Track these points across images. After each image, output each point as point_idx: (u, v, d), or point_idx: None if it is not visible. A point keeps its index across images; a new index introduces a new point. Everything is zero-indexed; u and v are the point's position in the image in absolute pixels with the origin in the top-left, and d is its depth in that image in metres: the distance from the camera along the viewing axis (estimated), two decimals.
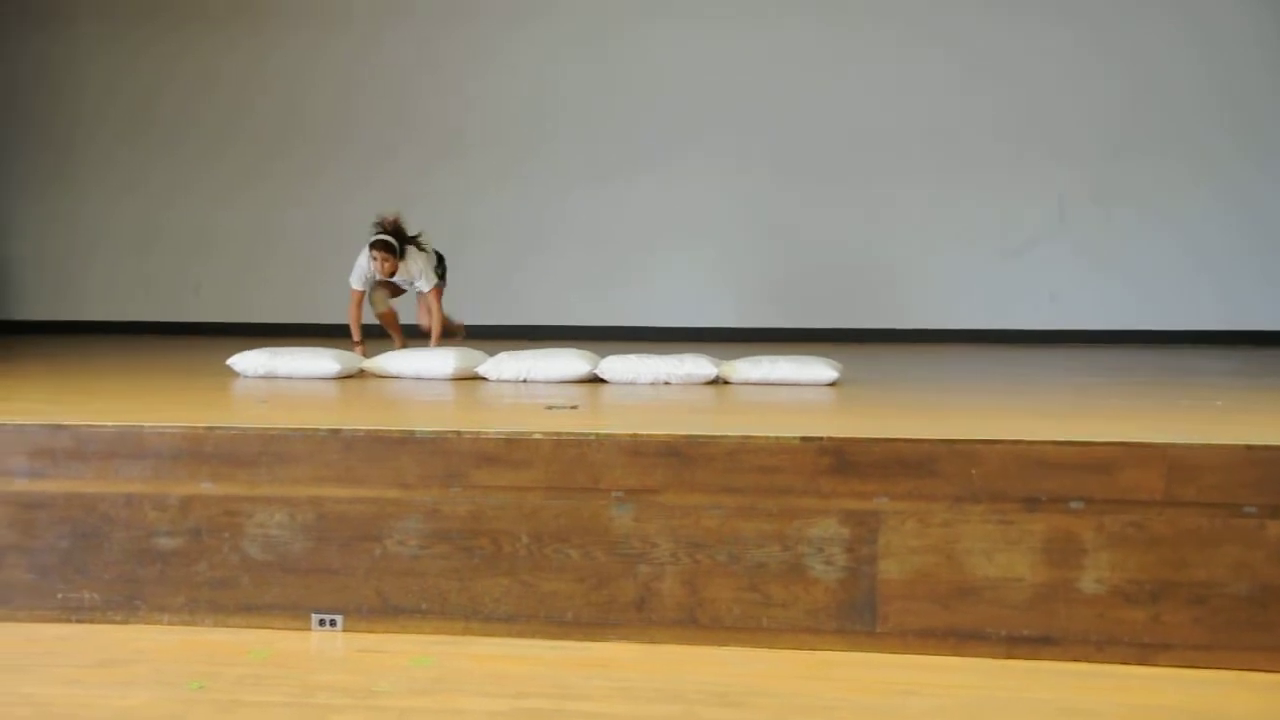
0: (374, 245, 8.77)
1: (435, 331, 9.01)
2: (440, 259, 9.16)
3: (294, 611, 5.48)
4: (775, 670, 5.04)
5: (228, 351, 8.17)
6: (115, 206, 12.60)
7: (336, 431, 5.52)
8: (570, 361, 7.81)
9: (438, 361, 7.95)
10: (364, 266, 8.87)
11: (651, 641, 5.30)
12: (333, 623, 5.45)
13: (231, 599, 5.51)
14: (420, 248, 8.93)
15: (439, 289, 9.03)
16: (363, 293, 8.99)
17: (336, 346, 8.37)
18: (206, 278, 12.54)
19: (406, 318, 9.38)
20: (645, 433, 5.39)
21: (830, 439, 5.29)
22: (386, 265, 8.80)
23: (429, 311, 9.07)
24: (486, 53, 12.25)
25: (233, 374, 7.99)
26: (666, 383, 7.65)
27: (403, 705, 4.63)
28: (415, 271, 8.90)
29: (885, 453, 5.25)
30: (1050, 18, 11.82)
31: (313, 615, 5.47)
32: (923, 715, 4.62)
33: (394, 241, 8.78)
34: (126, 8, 12.54)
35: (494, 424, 5.58)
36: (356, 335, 8.94)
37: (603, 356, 7.90)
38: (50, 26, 12.58)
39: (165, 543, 5.53)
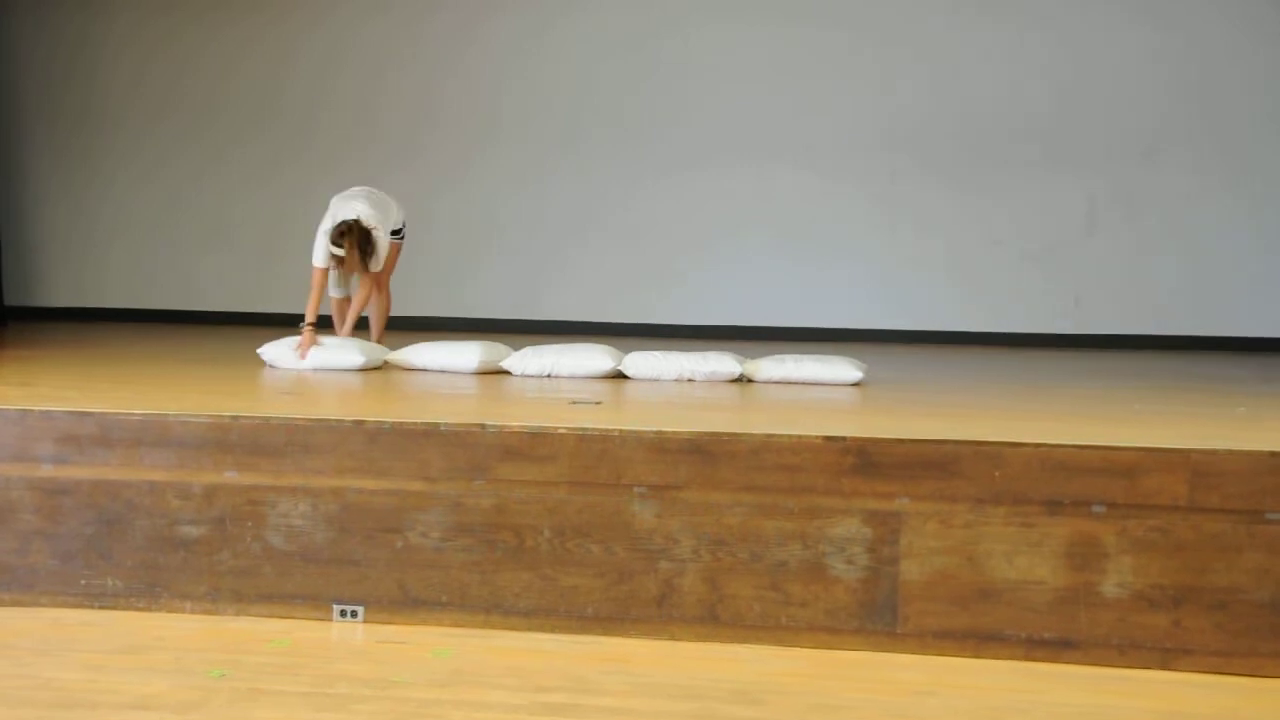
0: (337, 253, 8.22)
1: (356, 307, 8.52)
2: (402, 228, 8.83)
3: (315, 602, 5.50)
4: (795, 669, 5.04)
5: (251, 340, 8.19)
6: (139, 194, 12.61)
7: (361, 423, 5.53)
8: (594, 357, 7.81)
9: (462, 355, 7.95)
10: (325, 247, 8.29)
11: (671, 638, 5.31)
12: (354, 613, 5.47)
13: (253, 588, 5.53)
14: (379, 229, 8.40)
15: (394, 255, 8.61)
16: (326, 270, 8.38)
17: (359, 339, 8.38)
18: (230, 266, 12.54)
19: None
20: (669, 429, 5.39)
21: (853, 439, 5.29)
22: (352, 259, 8.24)
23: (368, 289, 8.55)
24: (518, 45, 12.24)
25: (259, 363, 8.01)
26: (690, 380, 7.66)
27: (422, 697, 4.64)
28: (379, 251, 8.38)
29: (908, 453, 5.25)
30: (1080, 19, 11.78)
31: (334, 606, 5.49)
32: (942, 716, 4.62)
33: (359, 246, 8.26)
34: None
35: (518, 418, 5.60)
36: (311, 317, 8.21)
37: (627, 353, 7.90)
38: (81, 15, 12.61)
39: (188, 531, 5.56)
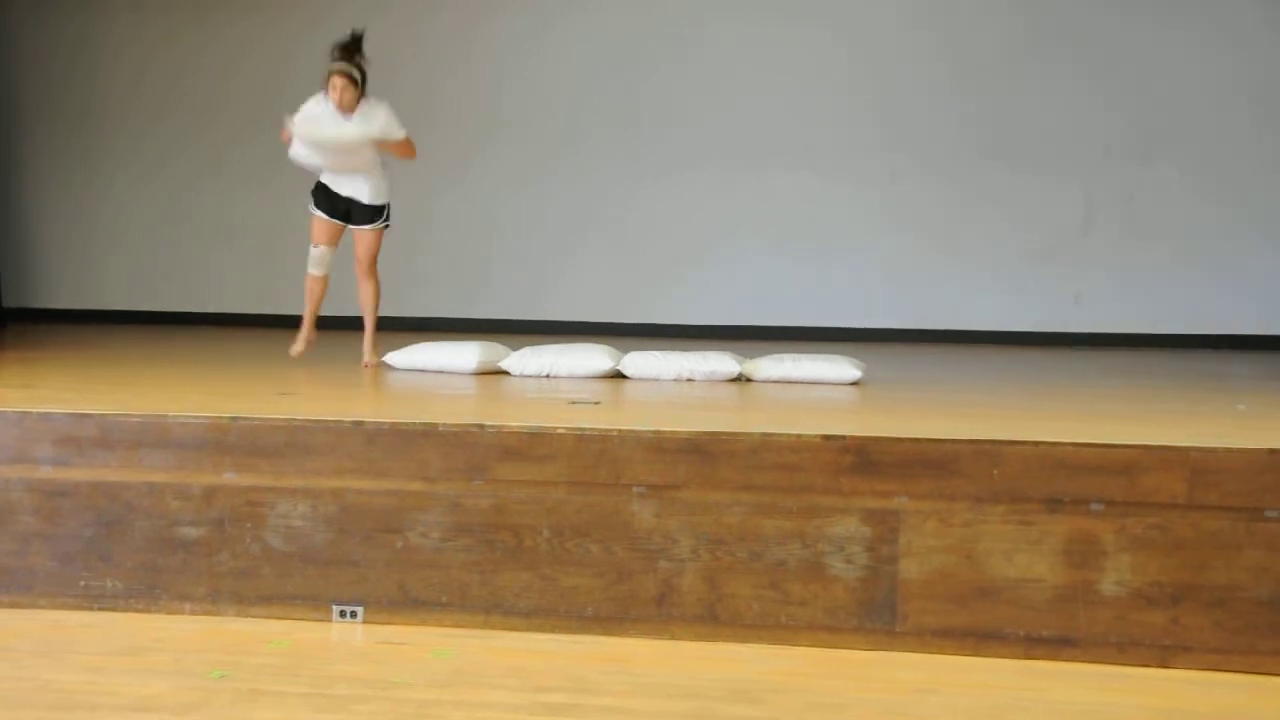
0: (335, 71, 7.83)
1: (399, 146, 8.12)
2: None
3: (315, 602, 5.50)
4: (794, 668, 5.04)
5: (252, 342, 8.19)
6: (139, 194, 12.60)
7: (360, 424, 5.53)
8: (593, 357, 7.81)
9: (461, 356, 7.95)
10: (309, 110, 8.04)
11: (671, 638, 5.31)
12: (354, 614, 5.47)
13: (253, 589, 5.54)
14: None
15: (410, 145, 8.25)
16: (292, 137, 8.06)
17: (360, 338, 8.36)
18: (230, 267, 12.53)
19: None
20: (668, 429, 5.40)
21: (852, 438, 5.30)
22: (346, 95, 7.83)
23: (366, 269, 8.12)
24: (518, 45, 12.22)
25: (258, 364, 8.01)
26: (689, 379, 7.66)
27: (422, 697, 4.64)
28: (381, 118, 8.06)
29: (907, 452, 5.25)
30: (1078, 19, 11.78)
31: (334, 606, 5.49)
32: (941, 714, 4.62)
33: (358, 69, 7.89)
34: None
35: (517, 418, 5.60)
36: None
37: (626, 353, 7.90)
38: (81, 15, 12.61)
39: (188, 532, 5.56)
